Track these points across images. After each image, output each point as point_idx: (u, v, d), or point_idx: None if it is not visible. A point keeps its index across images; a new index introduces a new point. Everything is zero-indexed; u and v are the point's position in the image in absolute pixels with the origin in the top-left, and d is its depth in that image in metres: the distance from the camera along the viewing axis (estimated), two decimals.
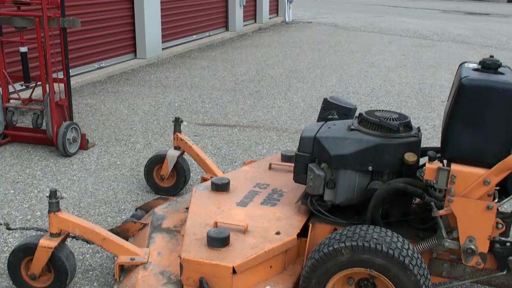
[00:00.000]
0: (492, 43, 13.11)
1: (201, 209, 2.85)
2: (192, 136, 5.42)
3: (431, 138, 5.64)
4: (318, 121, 3.16)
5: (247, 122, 6.04)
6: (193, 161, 4.24)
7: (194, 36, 11.43)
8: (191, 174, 4.22)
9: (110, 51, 8.51)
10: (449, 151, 2.41)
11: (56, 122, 4.75)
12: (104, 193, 4.12)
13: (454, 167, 2.35)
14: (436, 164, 2.40)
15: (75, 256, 2.99)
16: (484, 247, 2.35)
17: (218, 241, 2.47)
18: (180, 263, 2.43)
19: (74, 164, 4.67)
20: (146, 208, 3.37)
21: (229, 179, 3.11)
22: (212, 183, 3.08)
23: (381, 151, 2.56)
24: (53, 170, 4.52)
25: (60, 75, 4.82)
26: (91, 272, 3.06)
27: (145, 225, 3.03)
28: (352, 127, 2.70)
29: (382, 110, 2.79)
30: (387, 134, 2.60)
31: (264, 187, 3.12)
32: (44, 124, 4.97)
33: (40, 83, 4.83)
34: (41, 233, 3.25)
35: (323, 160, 2.69)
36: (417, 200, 2.78)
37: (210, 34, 12.21)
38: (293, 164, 2.88)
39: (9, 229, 3.53)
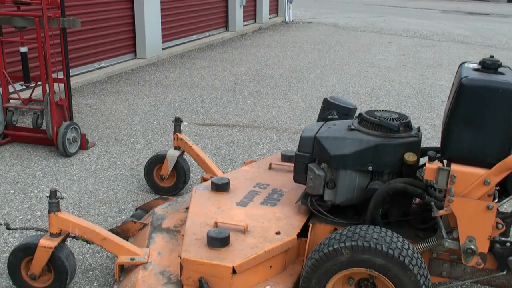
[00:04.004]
0: (492, 43, 13.11)
1: (201, 209, 2.85)
2: (192, 136, 5.42)
3: (431, 138, 5.64)
4: (318, 121, 3.16)
5: (247, 122, 6.04)
6: (193, 161, 4.25)
7: (194, 36, 11.43)
8: (191, 174, 4.22)
9: (110, 51, 8.51)
10: (449, 151, 2.41)
11: (56, 122, 4.75)
12: (104, 193, 4.12)
13: (454, 167, 2.35)
14: (436, 164, 2.40)
15: (75, 256, 2.99)
16: (484, 247, 2.35)
17: (218, 241, 2.47)
18: (180, 263, 2.43)
19: (74, 164, 4.67)
20: (146, 208, 3.37)
21: (229, 179, 3.11)
22: (212, 183, 3.08)
23: (381, 151, 2.56)
24: (53, 170, 4.52)
25: (60, 75, 4.82)
26: (91, 272, 3.06)
27: (145, 225, 3.03)
28: (352, 127, 2.70)
29: (382, 110, 2.79)
30: (387, 134, 2.60)
31: (264, 187, 3.12)
32: (44, 124, 4.97)
33: (40, 83, 4.83)
34: (41, 233, 3.25)
35: (323, 160, 2.69)
36: (417, 200, 2.78)
37: (210, 34, 12.21)
38: (293, 164, 2.88)
39: (9, 229, 3.53)
